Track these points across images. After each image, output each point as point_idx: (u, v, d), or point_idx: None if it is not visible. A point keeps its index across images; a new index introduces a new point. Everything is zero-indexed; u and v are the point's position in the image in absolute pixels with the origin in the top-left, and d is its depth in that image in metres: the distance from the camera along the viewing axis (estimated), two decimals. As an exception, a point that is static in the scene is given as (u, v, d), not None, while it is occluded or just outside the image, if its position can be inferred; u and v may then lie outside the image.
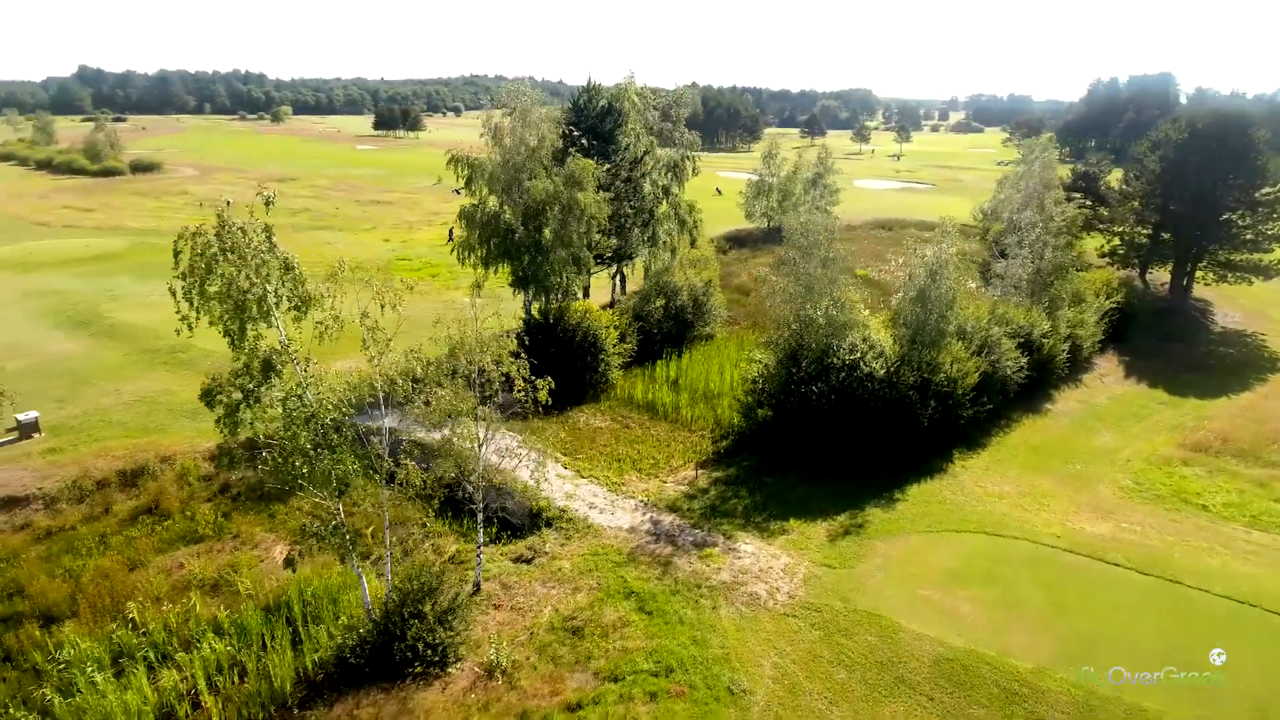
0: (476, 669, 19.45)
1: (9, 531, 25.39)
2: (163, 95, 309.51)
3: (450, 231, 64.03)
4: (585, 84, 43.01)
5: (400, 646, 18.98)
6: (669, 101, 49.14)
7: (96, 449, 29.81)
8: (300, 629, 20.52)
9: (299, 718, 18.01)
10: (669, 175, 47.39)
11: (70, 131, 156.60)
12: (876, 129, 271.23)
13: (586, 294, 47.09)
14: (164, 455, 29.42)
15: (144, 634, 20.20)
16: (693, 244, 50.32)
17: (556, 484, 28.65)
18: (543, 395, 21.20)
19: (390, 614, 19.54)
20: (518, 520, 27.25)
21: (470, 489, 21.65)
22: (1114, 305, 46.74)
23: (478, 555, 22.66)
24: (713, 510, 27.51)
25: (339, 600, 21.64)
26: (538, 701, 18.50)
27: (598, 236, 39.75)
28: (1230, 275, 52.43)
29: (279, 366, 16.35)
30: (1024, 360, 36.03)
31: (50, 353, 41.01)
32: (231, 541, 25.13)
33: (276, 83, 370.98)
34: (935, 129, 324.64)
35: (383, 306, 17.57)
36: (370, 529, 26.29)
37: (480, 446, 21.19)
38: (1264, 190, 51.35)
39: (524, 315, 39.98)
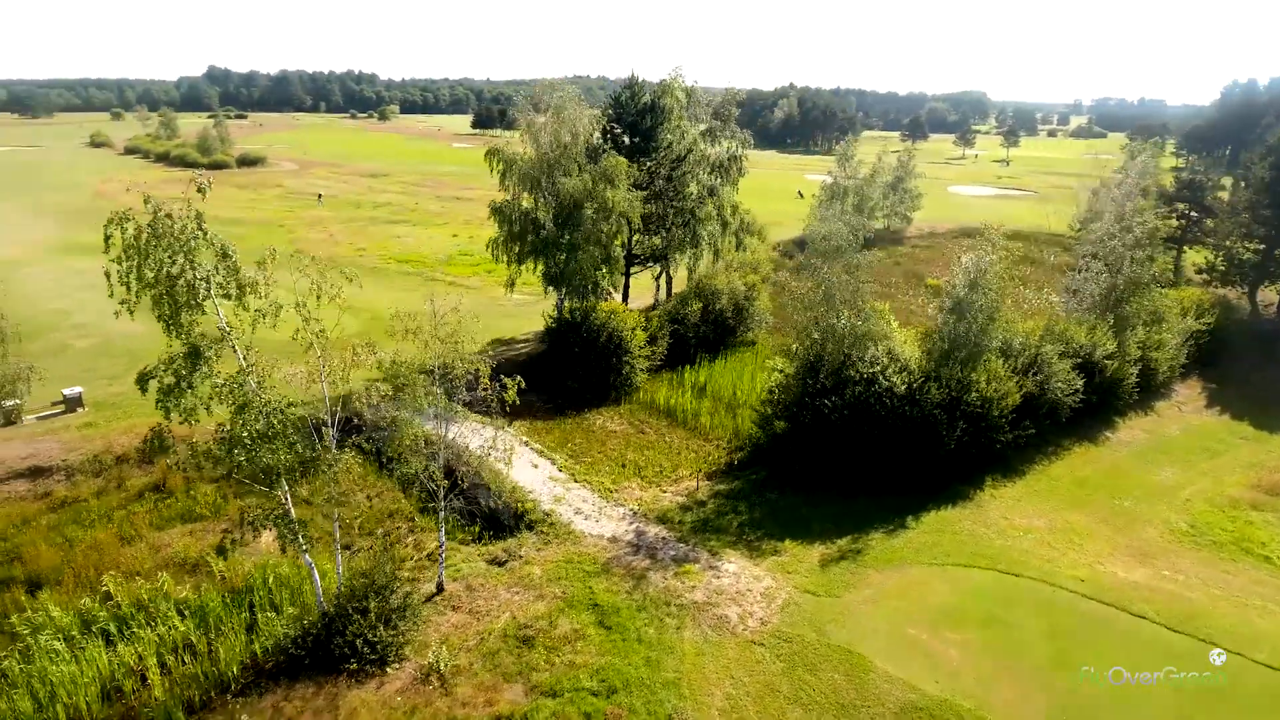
0: (416, 671, 19.03)
1: (30, 499, 26.83)
2: (283, 94, 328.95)
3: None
4: (628, 79, 42.26)
5: (339, 641, 18.81)
6: (722, 100, 47.73)
7: (125, 425, 31.24)
8: (259, 616, 20.65)
9: (232, 704, 18.05)
10: (715, 175, 46.04)
11: (194, 127, 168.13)
12: (988, 133, 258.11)
13: (626, 295, 46.35)
14: (184, 435, 30.45)
15: (114, 607, 20.77)
16: (738, 246, 48.78)
17: (548, 486, 28.03)
18: (510, 395, 20.61)
19: (338, 609, 19.41)
20: (505, 521, 26.78)
21: (434, 486, 21.27)
22: (1203, 327, 42.38)
23: (440, 554, 22.26)
24: (705, 525, 26.24)
25: (303, 590, 21.67)
26: (468, 710, 17.90)
27: (636, 236, 39.03)
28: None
29: (207, 353, 16.35)
30: (1080, 382, 32.95)
31: (115, 333, 43.42)
32: (226, 523, 25.67)
33: (387, 83, 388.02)
34: (1052, 134, 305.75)
35: (318, 297, 17.29)
36: (358, 519, 26.48)
37: (440, 447, 20.81)
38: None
39: (555, 313, 39.61)
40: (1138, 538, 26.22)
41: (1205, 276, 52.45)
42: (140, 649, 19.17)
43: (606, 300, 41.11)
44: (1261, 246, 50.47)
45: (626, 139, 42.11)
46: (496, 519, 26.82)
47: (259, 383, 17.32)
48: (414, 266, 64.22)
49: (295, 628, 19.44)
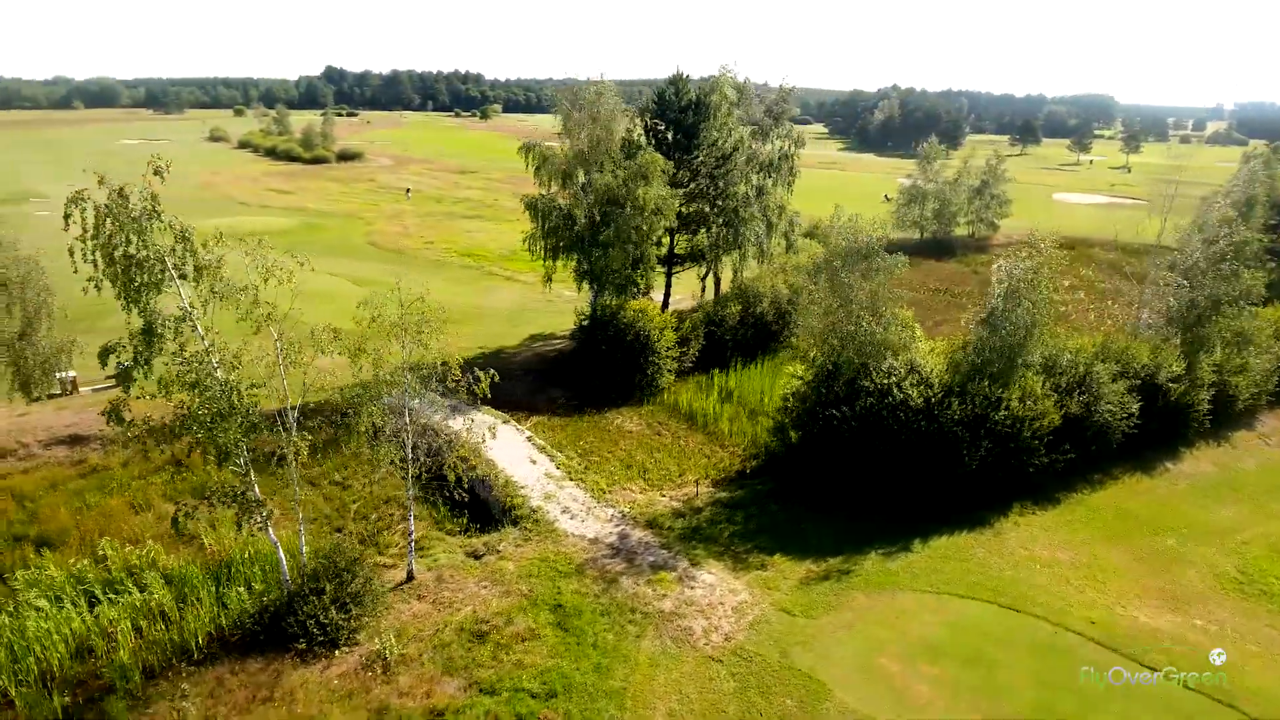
0: (364, 657, 19.14)
1: (66, 465, 28.72)
2: (392, 93, 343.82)
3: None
4: (673, 74, 41.56)
5: (291, 621, 19.13)
6: (776, 97, 46.33)
7: (160, 400, 32.94)
8: (234, 589, 21.29)
9: (186, 672, 18.62)
10: (764, 175, 44.72)
11: (305, 123, 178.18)
12: (1111, 138, 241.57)
13: (667, 295, 45.72)
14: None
15: (105, 570, 21.87)
16: (789, 248, 47.25)
17: (541, 483, 27.80)
18: (482, 388, 20.50)
19: (298, 589, 19.79)
20: (495, 514, 26.75)
21: (404, 474, 21.39)
22: (1300, 351, 38.03)
23: (409, 543, 22.37)
24: (694, 532, 25.38)
25: (279, 566, 22.21)
26: (404, 701, 17.84)
27: (672, 235, 38.35)
28: None
29: (161, 331, 16.93)
30: (1135, 406, 30.12)
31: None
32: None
33: (492, 82, 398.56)
34: (1185, 140, 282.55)
35: (266, 280, 17.58)
36: (355, 504, 27.04)
37: (409, 436, 20.91)
38: None
39: (588, 310, 39.40)
40: (1174, 580, 23.65)
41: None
42: (118, 613, 20.07)
43: (641, 299, 40.60)
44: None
45: (670, 136, 41.42)
46: (488, 512, 26.84)
47: (219, 362, 17.79)
48: (475, 260, 65.59)
49: (257, 604, 19.93)
